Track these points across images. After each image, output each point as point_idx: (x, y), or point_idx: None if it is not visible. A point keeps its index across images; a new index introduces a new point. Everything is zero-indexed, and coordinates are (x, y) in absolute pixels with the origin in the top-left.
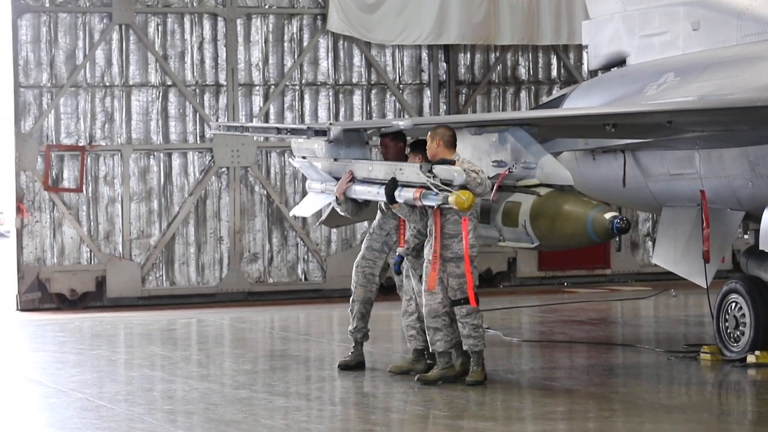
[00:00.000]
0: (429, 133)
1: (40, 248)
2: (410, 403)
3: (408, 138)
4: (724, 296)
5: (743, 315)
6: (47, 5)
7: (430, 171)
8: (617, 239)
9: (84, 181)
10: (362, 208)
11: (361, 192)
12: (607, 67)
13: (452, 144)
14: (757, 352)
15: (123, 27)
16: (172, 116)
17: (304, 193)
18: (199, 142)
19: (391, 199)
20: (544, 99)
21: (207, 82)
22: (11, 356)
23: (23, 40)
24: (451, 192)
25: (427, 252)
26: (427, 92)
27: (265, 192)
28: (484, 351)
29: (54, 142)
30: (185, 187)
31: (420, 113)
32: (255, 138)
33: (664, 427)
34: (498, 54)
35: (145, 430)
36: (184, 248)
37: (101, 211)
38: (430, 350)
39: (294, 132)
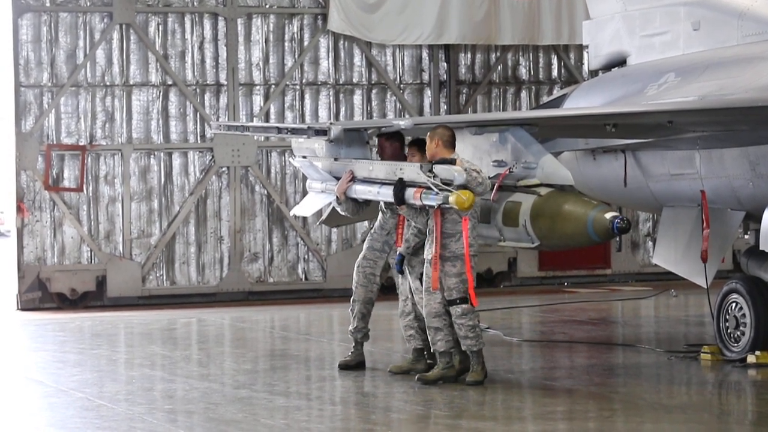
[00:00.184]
0: (428, 133)
1: (40, 248)
2: (410, 402)
3: (408, 138)
4: (724, 296)
5: (743, 315)
6: (48, 5)
7: (431, 171)
8: (618, 239)
9: (84, 180)
10: (363, 208)
11: (361, 192)
12: (607, 67)
13: (452, 144)
14: (758, 353)
15: (123, 26)
16: (172, 116)
17: (305, 193)
18: (199, 141)
19: (399, 200)
20: (545, 99)
21: (207, 82)
22: (12, 356)
23: (24, 39)
24: (451, 192)
25: (427, 252)
26: (428, 92)
27: (266, 191)
28: (483, 350)
29: (54, 142)
30: (186, 187)
31: (420, 113)
32: (255, 137)
33: (664, 427)
34: (498, 54)
35: (146, 429)
36: (185, 248)
37: (102, 211)
38: (431, 350)
39: (294, 132)
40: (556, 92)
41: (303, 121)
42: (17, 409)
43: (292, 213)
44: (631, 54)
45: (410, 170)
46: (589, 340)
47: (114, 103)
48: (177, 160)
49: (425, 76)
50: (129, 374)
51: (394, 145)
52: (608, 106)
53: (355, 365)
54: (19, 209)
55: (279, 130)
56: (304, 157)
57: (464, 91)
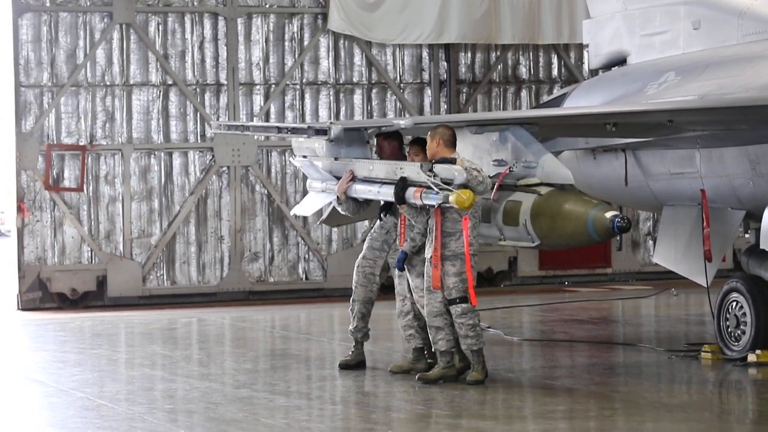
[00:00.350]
0: (429, 132)
1: (40, 247)
2: (411, 402)
3: (408, 137)
4: (724, 295)
5: (744, 314)
6: (48, 5)
7: (431, 170)
8: (618, 238)
9: (85, 180)
10: (363, 208)
11: (361, 191)
12: (607, 66)
13: (452, 143)
14: (758, 351)
15: (124, 26)
16: (172, 115)
17: (305, 193)
18: (199, 141)
19: (400, 199)
20: (545, 98)
21: (208, 82)
22: (12, 355)
23: (24, 39)
24: (451, 191)
25: (427, 251)
26: (428, 91)
27: (266, 191)
28: (483, 349)
29: (55, 142)
30: (186, 187)
31: (421, 112)
32: (256, 137)
33: (665, 426)
34: (499, 53)
35: (146, 429)
36: (185, 247)
37: (102, 211)
38: (432, 349)
39: (295, 131)
40: (557, 91)
41: (303, 120)
42: (17, 409)
43: (292, 212)
44: (631, 53)
45: (410, 169)
46: (589, 339)
47: (114, 102)
48: (177, 160)
49: (425, 76)
50: (129, 374)
51: (392, 144)
52: (608, 106)
53: (355, 365)
54: (20, 209)
55: (279, 129)
56: (305, 156)
57: (464, 90)
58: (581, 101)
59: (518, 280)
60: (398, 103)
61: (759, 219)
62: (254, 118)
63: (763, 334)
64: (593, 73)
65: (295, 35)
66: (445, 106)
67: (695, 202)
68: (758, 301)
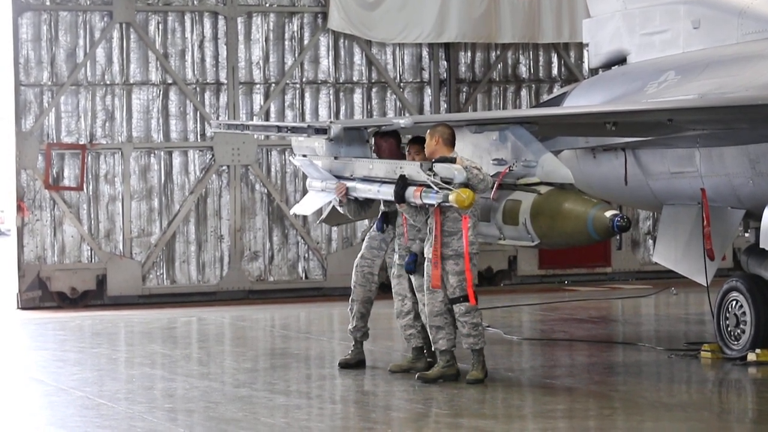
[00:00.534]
0: (428, 131)
1: (40, 246)
2: (411, 401)
3: (408, 136)
4: (724, 294)
5: (744, 313)
6: (48, 4)
7: (431, 169)
8: (618, 237)
9: (84, 179)
10: (365, 209)
11: (362, 190)
12: (607, 66)
13: (451, 142)
14: (758, 350)
15: (124, 25)
16: (172, 114)
17: (305, 192)
18: (199, 140)
19: (400, 198)
20: (545, 97)
21: (208, 81)
22: (12, 354)
23: (24, 38)
24: (451, 190)
25: (427, 251)
26: (428, 90)
27: (266, 190)
28: (484, 349)
29: (55, 141)
30: (186, 186)
31: (421, 112)
32: (255, 136)
33: (664, 426)
34: (499, 52)
35: (146, 428)
36: (185, 246)
37: (102, 210)
38: (432, 349)
39: (294, 130)
40: (556, 90)
41: (303, 119)
42: (17, 408)
43: (292, 212)
44: (631, 52)
45: (410, 168)
46: (589, 339)
47: (114, 101)
48: (177, 159)
49: (425, 75)
50: (129, 373)
51: (389, 142)
52: (608, 105)
53: (355, 364)
54: (20, 208)
55: (279, 128)
56: (304, 155)
57: (464, 89)
58: (581, 100)
59: (518, 279)
60: (398, 103)
61: (759, 218)
62: (254, 118)
63: (762, 333)
64: (593, 72)
65: (295, 34)
66: (445, 106)
67: (695, 201)
68: (758, 300)
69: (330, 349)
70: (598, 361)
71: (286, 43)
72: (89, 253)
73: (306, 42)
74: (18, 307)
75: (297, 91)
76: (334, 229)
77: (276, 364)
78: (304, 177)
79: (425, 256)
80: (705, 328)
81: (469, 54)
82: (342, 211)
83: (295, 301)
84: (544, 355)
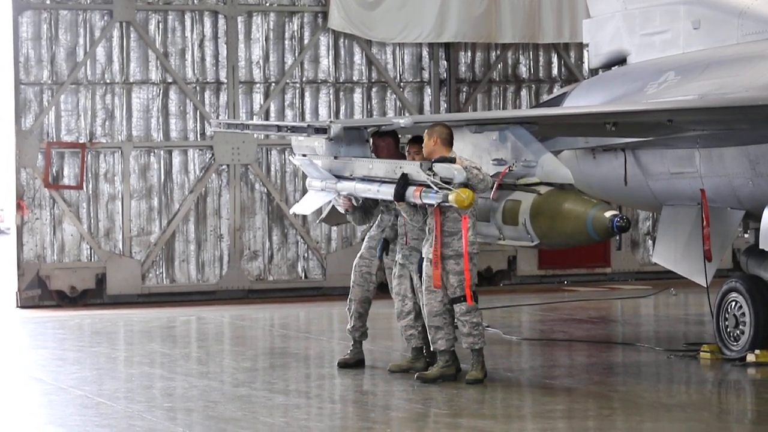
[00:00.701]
0: (426, 131)
1: (40, 245)
2: (410, 401)
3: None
4: (724, 295)
5: (743, 314)
6: (48, 2)
7: (431, 169)
8: (617, 238)
9: (84, 178)
10: (369, 216)
11: (361, 190)
12: (607, 66)
13: (450, 142)
14: (757, 351)
15: (124, 24)
16: (172, 114)
17: (305, 191)
18: (199, 139)
19: (400, 196)
20: (545, 97)
21: (207, 80)
22: (11, 353)
23: (24, 37)
24: (451, 190)
25: (427, 251)
26: (428, 90)
27: (266, 190)
28: (483, 349)
29: (54, 140)
30: (185, 185)
31: (420, 111)
32: (255, 136)
33: (663, 426)
34: (499, 52)
35: (145, 427)
36: (185, 246)
37: (101, 209)
38: (431, 349)
39: (294, 130)
40: (556, 91)
41: (303, 119)
42: (17, 407)
43: (291, 211)
44: (631, 52)
45: (410, 168)
46: (588, 339)
47: (114, 100)
48: (177, 158)
49: (425, 75)
50: (128, 372)
51: (387, 141)
52: (608, 105)
53: (354, 363)
54: (19, 207)
55: (279, 128)
56: (304, 155)
57: (464, 89)
58: (581, 101)
59: (517, 279)
60: (398, 102)
61: (758, 219)
62: (254, 117)
63: (762, 334)
64: (593, 72)
65: (295, 34)
66: (445, 105)
67: (695, 201)
68: (757, 301)
69: (329, 348)
70: (598, 361)
71: (286, 42)
72: (89, 252)
73: (306, 41)
74: (17, 306)
75: (297, 91)
76: (334, 228)
77: (275, 363)
78: (304, 176)
79: (424, 256)
80: (704, 328)
81: (469, 54)
82: (349, 219)
83: (295, 300)
84: (543, 356)
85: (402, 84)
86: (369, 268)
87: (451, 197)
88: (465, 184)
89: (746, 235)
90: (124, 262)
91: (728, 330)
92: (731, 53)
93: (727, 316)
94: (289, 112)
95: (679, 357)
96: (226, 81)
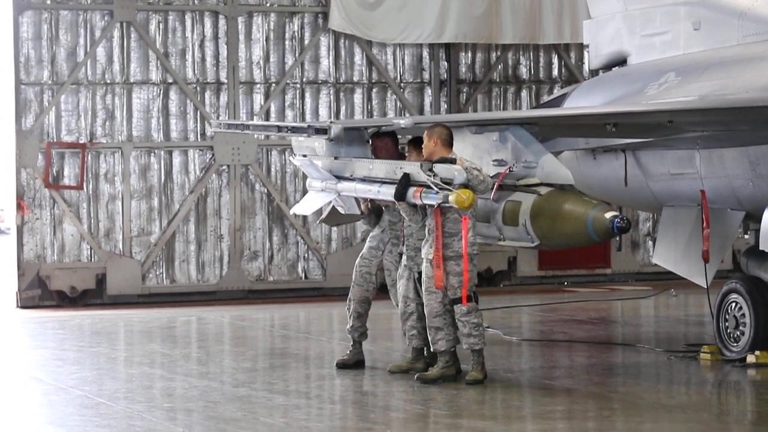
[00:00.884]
0: (426, 131)
1: (40, 245)
2: (410, 401)
3: (408, 137)
4: (724, 296)
5: (743, 315)
6: (48, 2)
7: (431, 169)
8: (617, 239)
9: (84, 178)
10: (381, 219)
11: (362, 191)
12: (608, 67)
13: (449, 143)
14: (757, 352)
15: (124, 24)
16: (172, 114)
17: (305, 192)
18: (199, 139)
19: (400, 196)
20: (545, 98)
21: (208, 80)
22: (11, 353)
23: (24, 37)
24: (451, 191)
25: (427, 251)
26: (428, 91)
27: (266, 190)
28: (483, 350)
29: (55, 140)
30: (186, 185)
31: (421, 112)
32: (256, 136)
33: (663, 427)
34: (499, 53)
35: (145, 427)
36: (185, 246)
37: (102, 209)
38: (432, 350)
39: (295, 130)
40: (557, 91)
41: (303, 119)
42: (17, 407)
43: (292, 212)
44: (631, 53)
45: (410, 169)
46: (588, 340)
47: (114, 101)
48: (177, 159)
49: (426, 75)
50: (128, 372)
51: (384, 141)
52: (608, 106)
53: (353, 364)
54: (19, 207)
55: (279, 128)
56: (305, 155)
57: (465, 90)
58: (581, 101)
59: (517, 280)
60: (398, 103)
61: (758, 220)
62: (254, 117)
63: (762, 335)
64: (593, 73)
65: (296, 34)
66: (446, 106)
67: (695, 202)
68: (757, 302)
69: (329, 349)
70: (598, 362)
71: (287, 42)
72: (89, 252)
73: (306, 42)
74: (17, 306)
75: (297, 91)
76: (334, 229)
77: (275, 363)
78: (304, 177)
79: (424, 257)
80: (704, 329)
81: (470, 54)
82: (363, 223)
83: (295, 301)
84: (543, 356)
85: (402, 84)
86: (369, 268)
87: (451, 198)
88: (465, 185)
89: (746, 237)
90: (124, 262)
91: (728, 331)
92: (731, 54)
93: (727, 317)
94: (289, 113)
95: (679, 358)
96: (226, 81)
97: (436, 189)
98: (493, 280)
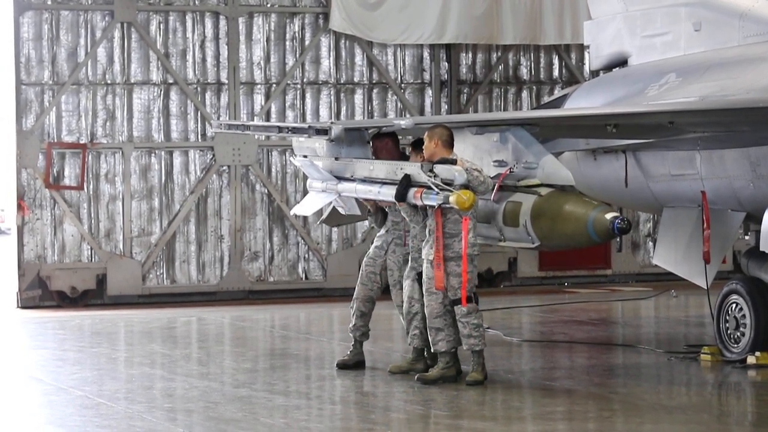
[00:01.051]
0: (426, 132)
1: (40, 246)
2: (410, 402)
3: (409, 137)
4: (724, 297)
5: (744, 316)
6: (49, 3)
7: (431, 170)
8: (618, 240)
9: (85, 178)
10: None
11: (362, 191)
12: (608, 68)
13: (450, 143)
14: (758, 353)
15: (125, 25)
16: (173, 114)
17: (305, 192)
18: (200, 140)
19: (401, 196)
20: (546, 99)
21: (208, 81)
22: (11, 353)
23: (25, 37)
24: (452, 192)
25: (427, 252)
26: (429, 92)
27: (266, 191)
28: (484, 351)
29: (55, 140)
30: (186, 186)
31: (421, 113)
32: (256, 137)
33: (664, 428)
34: (500, 54)
35: (145, 428)
36: (185, 246)
37: (102, 209)
38: (432, 350)
39: (295, 131)
40: (557, 92)
41: (304, 120)
42: (17, 407)
43: (292, 212)
44: (632, 54)
45: (411, 170)
46: (589, 341)
47: (115, 101)
48: (178, 159)
49: (426, 76)
50: (129, 373)
51: (384, 142)
52: (609, 107)
53: (353, 365)
54: (20, 207)
55: (280, 129)
56: (305, 156)
57: (465, 90)
58: (582, 102)
59: (518, 280)
60: (399, 104)
61: (759, 221)
62: (255, 118)
63: (762, 336)
64: (594, 74)
65: (297, 35)
66: (446, 107)
67: (695, 203)
68: (758, 303)
69: (330, 349)
70: (598, 363)
71: (287, 43)
72: (89, 253)
73: (307, 42)
74: (18, 306)
75: (298, 92)
76: (335, 229)
77: (275, 364)
78: (305, 177)
79: (424, 257)
80: (705, 330)
81: (470, 55)
82: (370, 222)
83: (295, 301)
84: (543, 357)
85: (403, 85)
86: (374, 268)
87: (452, 199)
88: (466, 186)
89: (747, 237)
90: (124, 262)
91: (729, 332)
92: (732, 55)
93: (727, 318)
94: (290, 113)
95: (679, 359)
96: (227, 82)
97: (436, 190)
98: (493, 281)
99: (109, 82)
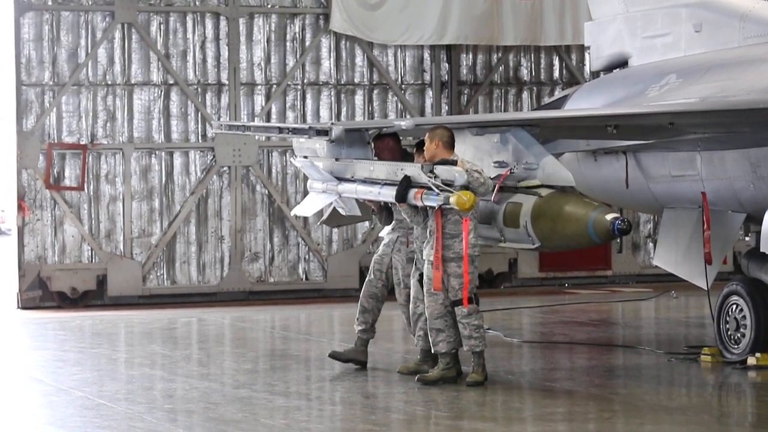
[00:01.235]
0: (427, 134)
1: (41, 246)
2: (411, 403)
3: (410, 138)
4: (724, 298)
5: (744, 317)
6: (50, 3)
7: (432, 171)
8: (618, 240)
9: (85, 179)
10: (391, 217)
11: (363, 192)
12: (609, 69)
13: (451, 145)
14: (758, 354)
15: (125, 26)
16: (173, 115)
17: (306, 193)
18: (200, 141)
19: (401, 197)
20: (546, 100)
21: (209, 81)
22: (12, 354)
23: (25, 38)
24: (452, 192)
25: (428, 253)
26: (429, 93)
27: (267, 191)
28: (484, 352)
29: (56, 141)
30: (186, 186)
31: (422, 114)
32: (257, 137)
33: (664, 429)
34: (500, 55)
35: (145, 428)
36: (185, 247)
37: (102, 210)
38: (432, 351)
39: (296, 131)
40: (558, 93)
41: (304, 121)
42: (17, 408)
43: (292, 213)
44: (632, 55)
45: (411, 171)
46: (589, 342)
47: (115, 102)
48: (178, 160)
49: (427, 77)
50: (129, 373)
51: (385, 142)
52: (610, 108)
53: (344, 360)
54: (20, 208)
55: (280, 130)
56: (306, 157)
57: (466, 91)
58: (582, 103)
59: (518, 281)
60: (399, 104)
61: (759, 222)
62: (255, 119)
63: (762, 337)
64: (595, 75)
65: (297, 35)
66: (447, 108)
67: (696, 204)
68: (758, 304)
69: (330, 350)
70: (598, 364)
71: (288, 44)
72: (90, 253)
73: (308, 43)
74: (18, 307)
75: (298, 93)
76: (335, 230)
77: (276, 365)
78: (305, 178)
79: (425, 258)
80: (705, 331)
81: (471, 56)
82: (374, 220)
83: (296, 302)
84: (544, 358)
85: (403, 86)
86: (380, 265)
87: (452, 200)
88: (466, 187)
89: (747, 238)
90: (125, 263)
91: (729, 333)
92: (733, 56)
93: (728, 319)
94: (290, 114)
95: (679, 360)
96: (227, 82)
97: (436, 191)
98: (493, 282)
99: (109, 82)
